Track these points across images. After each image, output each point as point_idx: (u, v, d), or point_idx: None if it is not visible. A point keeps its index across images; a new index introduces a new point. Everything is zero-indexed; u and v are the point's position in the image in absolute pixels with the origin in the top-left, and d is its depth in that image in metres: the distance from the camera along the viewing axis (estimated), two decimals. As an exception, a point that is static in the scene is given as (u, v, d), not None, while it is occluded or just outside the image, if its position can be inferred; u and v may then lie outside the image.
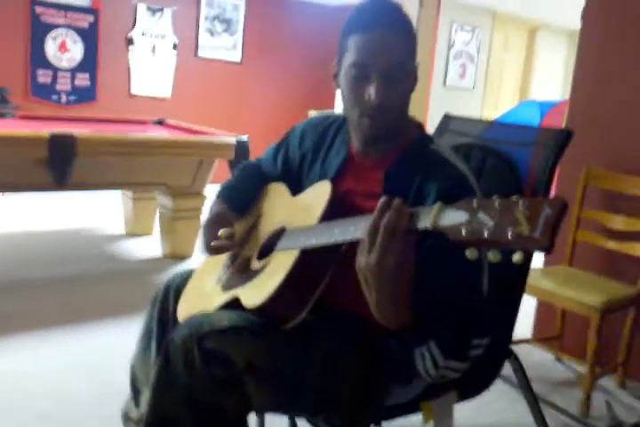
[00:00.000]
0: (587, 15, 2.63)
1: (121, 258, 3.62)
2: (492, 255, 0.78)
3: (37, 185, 2.99)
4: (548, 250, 0.72)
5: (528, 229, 0.74)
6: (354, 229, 1.00)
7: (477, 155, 1.50)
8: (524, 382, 1.52)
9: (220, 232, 1.27)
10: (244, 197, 1.44)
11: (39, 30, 5.18)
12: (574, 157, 2.44)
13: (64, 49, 5.30)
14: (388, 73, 1.13)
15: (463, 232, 0.80)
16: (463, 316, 1.07)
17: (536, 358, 2.61)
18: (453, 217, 0.82)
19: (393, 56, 1.12)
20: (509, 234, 0.75)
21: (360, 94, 1.15)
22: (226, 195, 1.43)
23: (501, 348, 1.44)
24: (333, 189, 1.21)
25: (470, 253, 0.80)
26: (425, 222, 0.87)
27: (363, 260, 0.94)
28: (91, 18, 5.37)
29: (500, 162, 1.46)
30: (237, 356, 1.07)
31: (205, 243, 1.31)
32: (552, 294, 2.26)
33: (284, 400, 1.16)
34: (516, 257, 0.75)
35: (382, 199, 0.93)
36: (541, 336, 2.70)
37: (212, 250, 1.29)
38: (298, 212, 1.27)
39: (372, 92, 1.12)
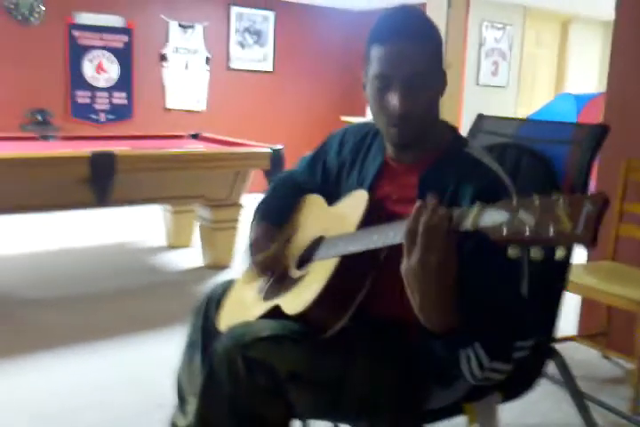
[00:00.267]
0: (621, 4, 2.58)
1: (163, 270, 3.69)
2: (534, 253, 0.78)
3: (80, 204, 3.07)
4: (590, 246, 0.74)
5: (570, 225, 0.75)
6: (393, 234, 1.01)
7: (512, 155, 1.49)
8: (569, 381, 1.50)
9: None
10: (281, 210, 1.45)
11: (77, 53, 5.35)
12: (614, 150, 2.40)
13: (101, 69, 5.46)
14: (409, 83, 1.14)
15: (505, 231, 0.80)
16: (506, 317, 1.06)
17: (582, 356, 2.57)
18: (494, 217, 0.83)
19: (414, 66, 1.13)
20: (551, 231, 0.76)
21: (384, 105, 1.16)
22: (263, 211, 1.45)
23: (544, 348, 1.43)
24: (370, 196, 1.22)
25: (512, 252, 0.81)
26: (466, 224, 0.88)
27: (405, 262, 0.95)
28: (125, 38, 5.52)
29: (536, 161, 1.45)
30: (279, 364, 1.09)
31: (255, 261, 1.35)
32: (596, 291, 2.21)
33: (325, 407, 1.17)
34: (559, 253, 0.76)
35: (418, 203, 0.94)
36: (586, 333, 2.65)
37: (262, 267, 1.33)
38: (335, 221, 1.28)
39: (394, 102, 1.14)
